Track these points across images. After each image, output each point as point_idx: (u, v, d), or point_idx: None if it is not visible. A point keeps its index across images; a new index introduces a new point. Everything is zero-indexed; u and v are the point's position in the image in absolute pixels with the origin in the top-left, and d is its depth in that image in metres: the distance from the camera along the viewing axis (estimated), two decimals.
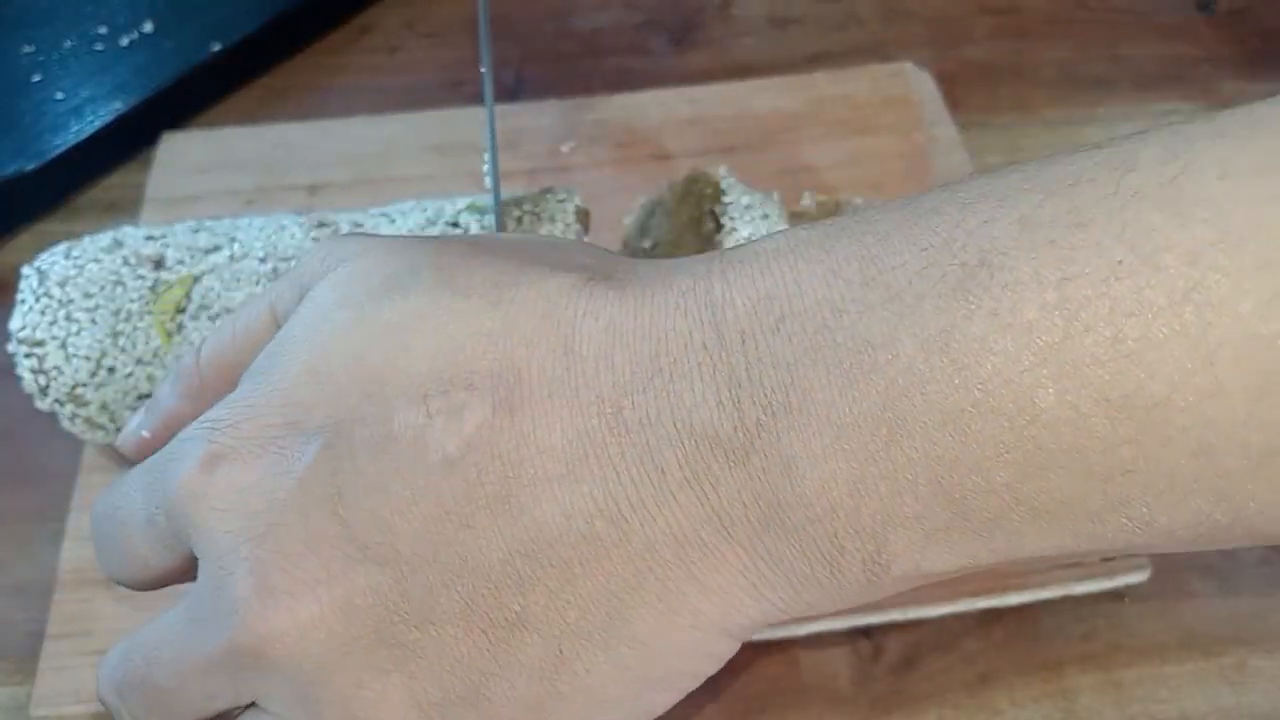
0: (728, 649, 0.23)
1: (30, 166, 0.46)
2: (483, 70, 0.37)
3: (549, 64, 0.52)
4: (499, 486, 0.21)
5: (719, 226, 0.37)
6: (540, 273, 0.22)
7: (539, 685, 0.22)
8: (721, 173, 0.39)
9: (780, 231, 0.22)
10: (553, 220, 0.38)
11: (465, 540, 0.21)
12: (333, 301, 0.23)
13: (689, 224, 0.39)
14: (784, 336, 0.20)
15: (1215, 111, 0.20)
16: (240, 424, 0.23)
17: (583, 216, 0.39)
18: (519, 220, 0.38)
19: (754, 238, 0.36)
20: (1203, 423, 0.18)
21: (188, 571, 0.24)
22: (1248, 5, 0.54)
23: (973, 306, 0.19)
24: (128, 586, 0.25)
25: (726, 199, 0.38)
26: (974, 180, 0.21)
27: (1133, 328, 0.18)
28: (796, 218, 0.41)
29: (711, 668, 0.23)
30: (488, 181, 0.37)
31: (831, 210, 0.41)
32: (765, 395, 0.20)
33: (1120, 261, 0.18)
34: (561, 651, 0.22)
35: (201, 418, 0.23)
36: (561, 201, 0.39)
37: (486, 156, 0.37)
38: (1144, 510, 0.20)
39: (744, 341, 0.21)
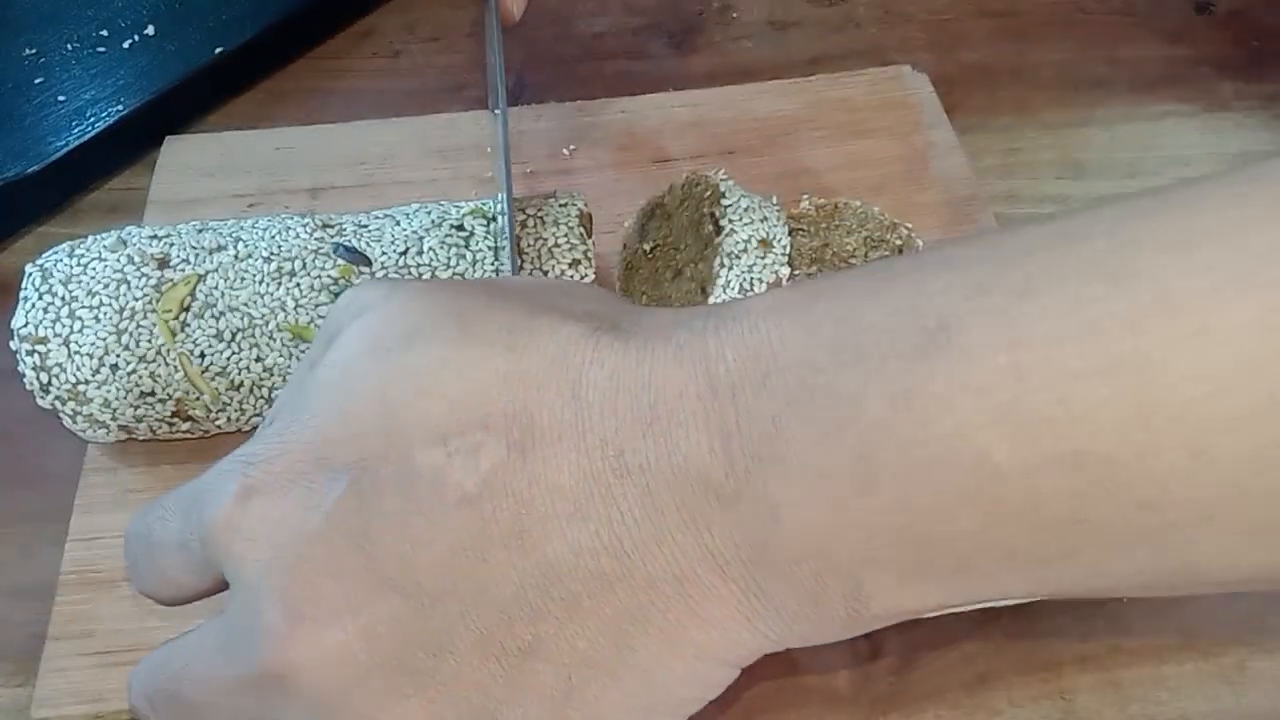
0: (728, 676, 0.25)
1: (32, 168, 0.46)
2: (496, 112, 0.38)
3: (550, 67, 0.53)
4: (512, 523, 0.23)
5: (719, 229, 0.37)
6: (551, 321, 0.24)
7: (550, 711, 0.23)
8: (721, 176, 0.39)
9: (769, 291, 0.24)
10: (556, 224, 0.38)
11: (481, 574, 0.23)
12: (360, 347, 0.25)
13: (689, 226, 0.39)
14: (769, 391, 0.22)
15: (1162, 187, 0.21)
16: (273, 460, 0.24)
17: (586, 220, 0.39)
18: (523, 224, 0.38)
19: (753, 240, 0.37)
20: (1144, 479, 0.20)
21: (216, 590, 0.26)
22: (1247, 6, 0.54)
23: (932, 368, 0.21)
24: (158, 602, 0.27)
25: (726, 202, 0.38)
26: (941, 248, 0.23)
27: (1077, 389, 0.20)
28: (795, 220, 0.41)
29: (713, 693, 0.25)
30: (499, 197, 0.37)
31: (830, 213, 0.41)
32: (753, 445, 0.22)
33: (1065, 328, 0.20)
34: (571, 679, 0.23)
35: (237, 452, 0.25)
36: (565, 206, 0.39)
37: (500, 173, 0.37)
38: (1097, 557, 0.21)
39: (734, 394, 0.22)
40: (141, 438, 0.38)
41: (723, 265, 0.36)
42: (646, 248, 0.41)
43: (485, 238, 0.38)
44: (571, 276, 0.38)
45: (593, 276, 0.38)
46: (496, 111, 0.38)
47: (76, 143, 0.47)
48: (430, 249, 0.37)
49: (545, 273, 0.38)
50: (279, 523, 0.23)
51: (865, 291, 0.23)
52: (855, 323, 0.22)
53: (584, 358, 0.23)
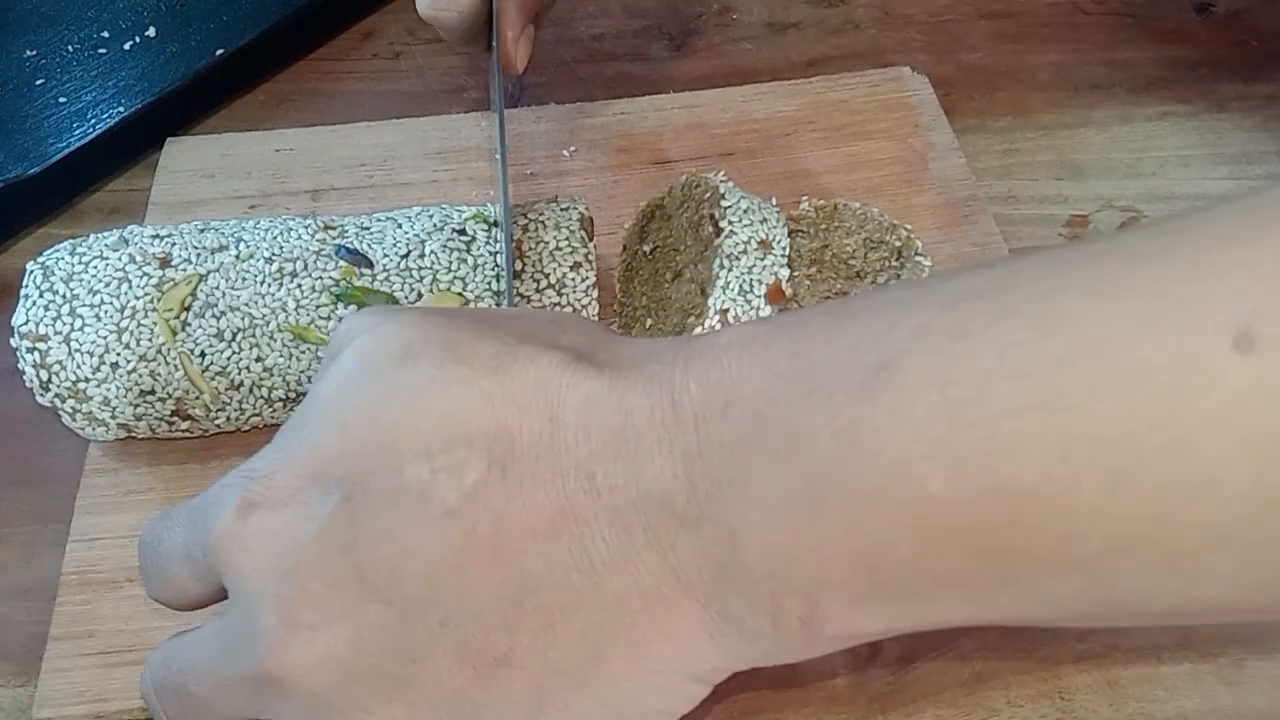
0: (697, 691, 0.26)
1: (33, 170, 0.46)
2: (497, 157, 0.39)
3: (550, 70, 0.53)
4: (491, 538, 0.24)
5: (718, 230, 0.37)
6: (535, 349, 0.25)
7: (523, 718, 0.25)
8: (720, 177, 0.39)
9: (737, 325, 0.26)
10: (558, 228, 0.39)
11: (460, 585, 0.24)
12: (356, 368, 0.26)
13: (689, 228, 0.40)
14: (729, 421, 0.23)
15: (1091, 238, 0.23)
16: (273, 475, 0.25)
17: (587, 224, 0.39)
18: (524, 229, 0.38)
19: (752, 241, 0.37)
20: (1067, 512, 0.21)
21: (219, 598, 0.27)
22: (1246, 7, 0.54)
23: (874, 403, 0.22)
24: (168, 607, 0.28)
25: (725, 203, 0.38)
26: (890, 289, 0.24)
27: (1004, 426, 0.21)
28: (794, 221, 0.41)
29: (683, 707, 0.26)
30: (498, 208, 0.38)
31: (830, 214, 0.41)
32: (713, 471, 0.23)
33: (993, 368, 0.21)
34: (543, 688, 0.24)
35: (240, 467, 0.26)
36: (566, 210, 0.39)
37: (499, 185, 0.38)
38: (1032, 586, 0.22)
39: (696, 423, 0.23)
40: (141, 436, 0.38)
41: (722, 266, 0.37)
42: (646, 249, 0.41)
43: (487, 242, 0.38)
44: (573, 279, 0.38)
45: (594, 279, 0.38)
46: (497, 151, 0.39)
47: (77, 144, 0.47)
48: (432, 252, 0.38)
49: (546, 275, 0.38)
50: (276, 534, 0.25)
51: (820, 329, 0.24)
52: (809, 358, 0.23)
53: (562, 382, 0.25)
